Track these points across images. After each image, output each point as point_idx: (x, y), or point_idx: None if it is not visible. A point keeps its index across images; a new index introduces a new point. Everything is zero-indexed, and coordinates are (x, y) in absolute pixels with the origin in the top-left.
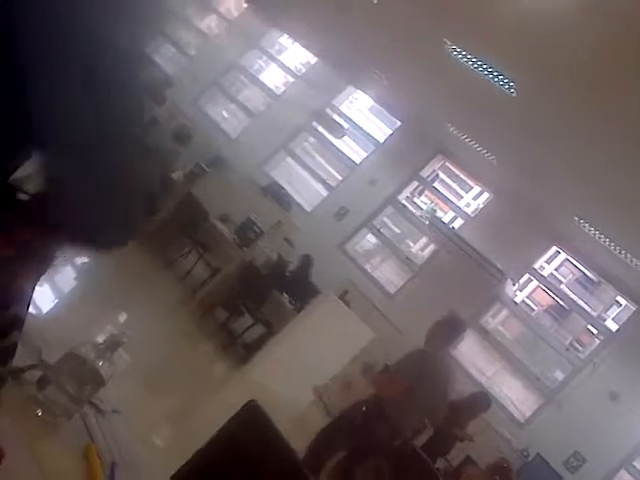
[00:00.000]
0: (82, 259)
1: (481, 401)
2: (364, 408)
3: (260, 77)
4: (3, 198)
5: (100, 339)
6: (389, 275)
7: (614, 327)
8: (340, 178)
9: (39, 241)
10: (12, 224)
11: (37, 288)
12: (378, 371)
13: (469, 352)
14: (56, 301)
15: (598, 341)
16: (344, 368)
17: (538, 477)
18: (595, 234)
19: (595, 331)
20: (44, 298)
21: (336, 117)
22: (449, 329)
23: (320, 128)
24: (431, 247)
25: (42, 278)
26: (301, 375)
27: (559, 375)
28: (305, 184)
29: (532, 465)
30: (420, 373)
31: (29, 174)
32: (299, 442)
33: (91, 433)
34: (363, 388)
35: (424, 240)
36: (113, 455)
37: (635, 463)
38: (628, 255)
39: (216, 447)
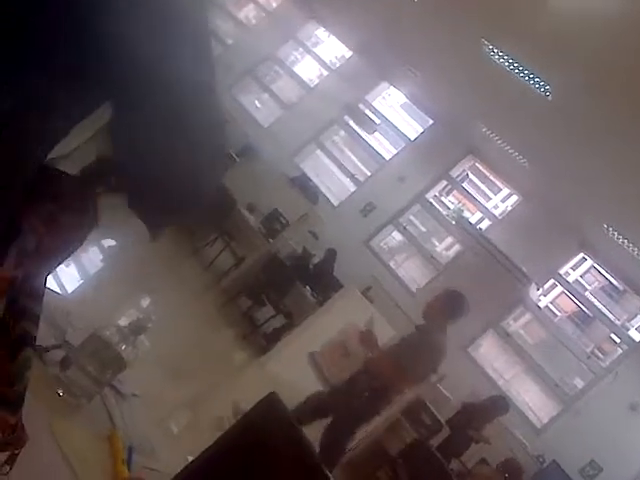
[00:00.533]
0: (109, 242)
1: (499, 405)
2: (366, 394)
3: (295, 69)
4: (41, 180)
5: (123, 322)
6: (413, 273)
7: (638, 337)
8: (369, 173)
9: (72, 229)
10: (54, 213)
11: (64, 268)
12: (376, 340)
13: (489, 354)
14: (81, 282)
15: (620, 350)
16: (340, 331)
17: None
18: (623, 242)
19: (618, 340)
20: (70, 278)
21: (368, 112)
22: (448, 304)
23: (351, 122)
24: (456, 247)
25: (67, 260)
26: None
27: (579, 382)
28: (333, 178)
29: (547, 471)
30: (415, 357)
31: (63, 154)
32: (311, 433)
33: (111, 416)
34: (359, 356)
35: (450, 240)
36: (131, 439)
37: None
38: None
39: (236, 435)
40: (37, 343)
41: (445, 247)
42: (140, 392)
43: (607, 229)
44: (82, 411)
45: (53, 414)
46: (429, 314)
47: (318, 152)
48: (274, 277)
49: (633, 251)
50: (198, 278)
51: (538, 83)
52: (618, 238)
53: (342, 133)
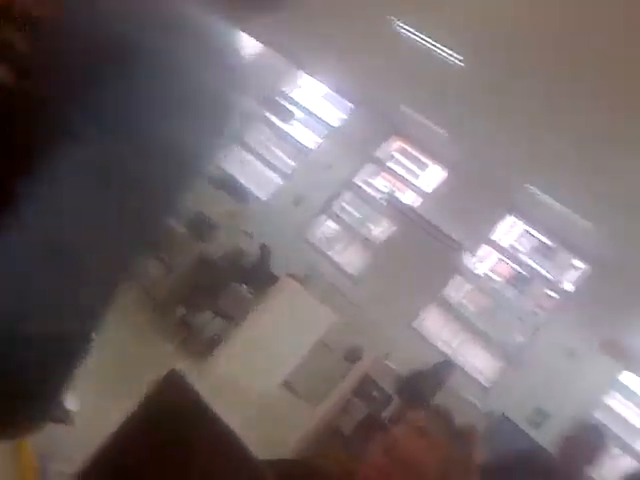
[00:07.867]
0: None
1: (445, 365)
2: None
3: None
4: None
5: None
6: (350, 258)
7: (571, 289)
8: (295, 165)
9: None
10: None
11: None
12: None
13: (433, 326)
14: None
15: (557, 304)
16: None
17: (505, 435)
18: (546, 199)
19: (554, 295)
20: None
21: (286, 103)
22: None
23: (271, 116)
24: (391, 227)
25: None
26: (266, 363)
27: (520, 339)
28: (259, 174)
29: (497, 424)
30: None
31: None
32: (269, 429)
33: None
34: None
35: (384, 221)
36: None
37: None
38: (579, 217)
39: (140, 418)
40: None
41: (380, 229)
42: (80, 413)
43: (530, 188)
44: None
45: None
46: None
47: (239, 149)
48: (207, 280)
49: (558, 208)
50: (129, 292)
51: (449, 52)
52: (541, 196)
53: (264, 128)
